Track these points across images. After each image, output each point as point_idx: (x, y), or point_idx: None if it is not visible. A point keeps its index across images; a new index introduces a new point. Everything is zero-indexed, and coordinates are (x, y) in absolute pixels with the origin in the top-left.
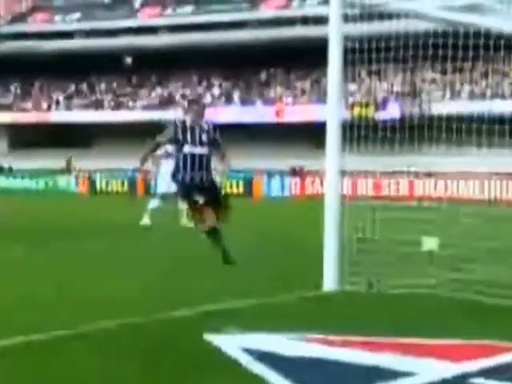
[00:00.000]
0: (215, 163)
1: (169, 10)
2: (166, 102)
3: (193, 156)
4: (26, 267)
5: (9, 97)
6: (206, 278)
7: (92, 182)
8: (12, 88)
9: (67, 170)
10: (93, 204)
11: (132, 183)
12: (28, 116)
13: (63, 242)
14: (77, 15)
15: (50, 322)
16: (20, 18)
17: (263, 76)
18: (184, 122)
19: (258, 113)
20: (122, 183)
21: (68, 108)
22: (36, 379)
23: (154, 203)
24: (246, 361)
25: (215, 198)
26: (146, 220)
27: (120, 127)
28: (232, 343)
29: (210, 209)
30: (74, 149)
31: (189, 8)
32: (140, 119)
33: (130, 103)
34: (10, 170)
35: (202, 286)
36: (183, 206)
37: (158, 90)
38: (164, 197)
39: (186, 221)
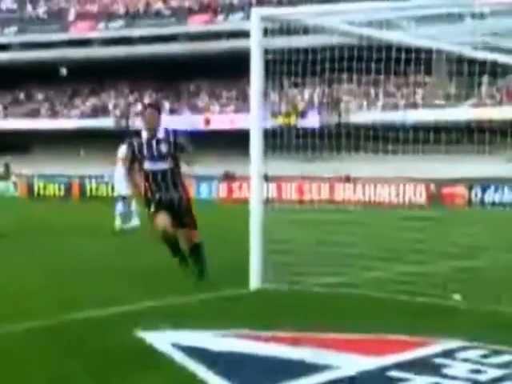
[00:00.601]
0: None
1: (101, 24)
2: (100, 111)
3: (154, 173)
4: None
5: None
6: (137, 276)
7: (30, 187)
8: None
9: (5, 176)
10: (30, 207)
11: (67, 187)
12: None
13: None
14: (14, 29)
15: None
16: None
17: (191, 87)
18: (139, 137)
19: (187, 121)
20: (59, 187)
21: (6, 116)
22: None
23: (119, 206)
24: (178, 356)
25: (182, 219)
26: (118, 223)
27: (56, 134)
28: (163, 340)
29: (181, 230)
30: (12, 155)
31: (120, 22)
32: (75, 127)
33: (66, 112)
34: None
35: (132, 285)
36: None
37: (92, 100)
38: (124, 199)
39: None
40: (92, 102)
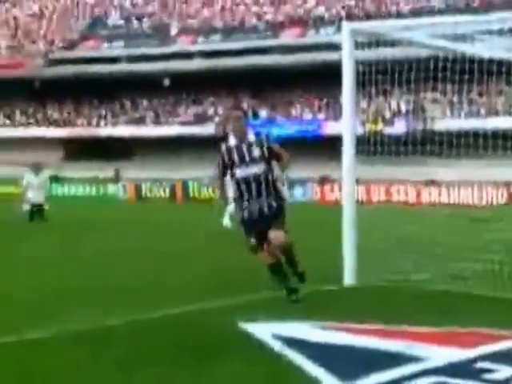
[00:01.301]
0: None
1: (201, 38)
2: (200, 119)
3: (246, 180)
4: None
5: (64, 114)
6: (238, 270)
7: (138, 190)
8: (66, 106)
9: (116, 180)
10: (139, 208)
11: (172, 190)
12: (80, 131)
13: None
14: (121, 43)
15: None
16: (71, 45)
17: (285, 95)
18: (228, 144)
19: (282, 127)
20: (164, 190)
21: (114, 124)
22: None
23: (230, 207)
24: (278, 347)
25: (273, 222)
26: (226, 221)
27: (160, 140)
28: (264, 330)
29: (273, 233)
30: (119, 160)
31: (218, 36)
32: (177, 133)
33: (169, 119)
34: (59, 178)
35: (234, 279)
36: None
37: (193, 108)
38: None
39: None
40: (193, 110)
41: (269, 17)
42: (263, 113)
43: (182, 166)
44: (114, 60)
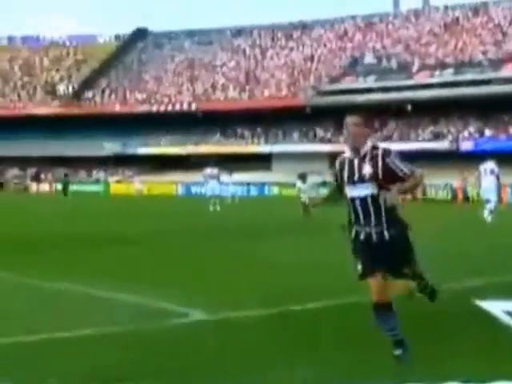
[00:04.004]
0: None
1: (437, 72)
2: (436, 136)
3: (352, 200)
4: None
5: (328, 134)
6: (470, 258)
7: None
8: (331, 127)
9: None
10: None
11: (453, 192)
12: (341, 146)
13: None
14: (373, 77)
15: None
16: (335, 79)
17: (505, 117)
18: (343, 156)
19: (503, 144)
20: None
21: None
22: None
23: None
24: (506, 320)
25: (396, 266)
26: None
27: (405, 154)
28: (496, 307)
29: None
30: None
31: (451, 70)
32: (418, 148)
33: (411, 137)
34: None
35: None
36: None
37: (430, 128)
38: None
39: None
40: (430, 129)
41: (491, 54)
42: (487, 132)
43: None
44: (368, 91)
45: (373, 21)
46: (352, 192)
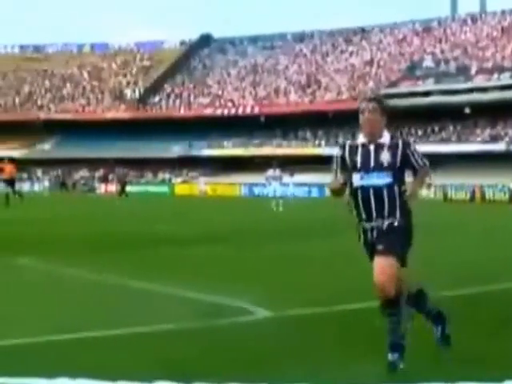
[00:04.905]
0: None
1: (495, 76)
2: (494, 138)
3: (364, 191)
4: None
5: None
6: None
7: (445, 193)
8: (389, 130)
9: (427, 185)
10: (446, 208)
11: (472, 194)
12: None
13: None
14: (432, 80)
15: None
16: (394, 83)
17: None
18: (355, 141)
19: None
20: (465, 194)
21: (427, 142)
22: None
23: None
24: None
25: (390, 246)
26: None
27: (462, 155)
28: None
29: (382, 263)
30: (431, 171)
31: (508, 74)
32: (476, 150)
33: (469, 138)
34: None
35: None
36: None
37: (488, 130)
38: None
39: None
40: (488, 131)
41: None
42: None
43: (480, 175)
44: (427, 94)
45: (431, 25)
46: (365, 180)
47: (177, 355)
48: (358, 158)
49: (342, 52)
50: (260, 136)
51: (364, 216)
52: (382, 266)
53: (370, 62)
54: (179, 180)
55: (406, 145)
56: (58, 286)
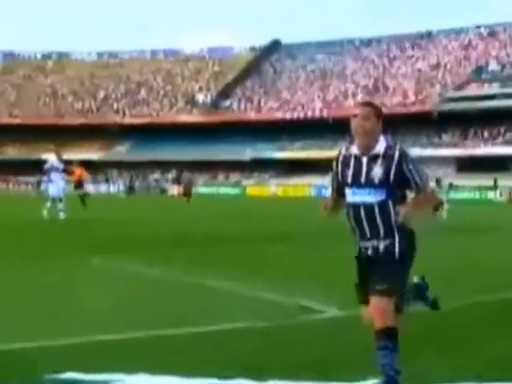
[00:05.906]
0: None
1: None
2: None
3: (355, 208)
4: None
5: (455, 138)
6: None
7: (510, 195)
8: (457, 132)
9: (494, 187)
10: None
11: None
12: (466, 151)
13: None
14: (497, 84)
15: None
16: (460, 86)
17: None
18: (348, 151)
19: None
20: None
21: (493, 145)
22: None
23: None
24: None
25: (390, 287)
26: None
27: None
28: None
29: (380, 304)
30: (496, 172)
31: None
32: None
33: None
34: (453, 186)
35: None
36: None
37: None
38: None
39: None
40: None
41: None
42: None
43: None
44: (492, 97)
45: (496, 30)
46: (355, 197)
47: (252, 353)
48: (350, 172)
49: (408, 56)
50: (328, 138)
51: (358, 234)
52: (380, 309)
53: (437, 66)
54: (250, 182)
55: (403, 158)
56: (135, 286)
